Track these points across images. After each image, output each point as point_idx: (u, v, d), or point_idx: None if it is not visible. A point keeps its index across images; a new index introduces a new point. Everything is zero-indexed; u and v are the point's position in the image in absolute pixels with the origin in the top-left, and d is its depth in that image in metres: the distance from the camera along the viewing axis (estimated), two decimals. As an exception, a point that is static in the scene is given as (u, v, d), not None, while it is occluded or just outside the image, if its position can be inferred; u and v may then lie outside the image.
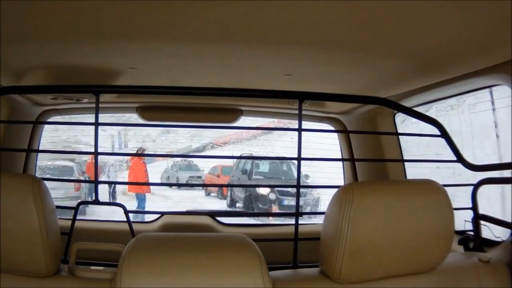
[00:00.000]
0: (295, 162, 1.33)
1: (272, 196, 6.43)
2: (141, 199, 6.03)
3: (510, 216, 1.32)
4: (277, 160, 6.72)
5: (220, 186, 8.69)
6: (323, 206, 6.04)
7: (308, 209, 6.05)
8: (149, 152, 7.93)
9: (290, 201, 6.39)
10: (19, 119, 1.87)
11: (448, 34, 1.06)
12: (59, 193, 5.18)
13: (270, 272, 1.00)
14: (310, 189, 6.42)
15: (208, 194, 7.32)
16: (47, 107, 2.04)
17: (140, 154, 5.95)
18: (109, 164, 6.40)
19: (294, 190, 6.31)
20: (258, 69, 1.49)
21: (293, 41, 1.15)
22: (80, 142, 5.27)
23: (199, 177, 7.25)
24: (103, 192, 5.87)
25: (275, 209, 6.34)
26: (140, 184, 6.42)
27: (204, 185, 9.34)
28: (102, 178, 6.25)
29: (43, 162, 5.54)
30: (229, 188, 7.10)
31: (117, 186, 6.12)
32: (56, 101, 1.93)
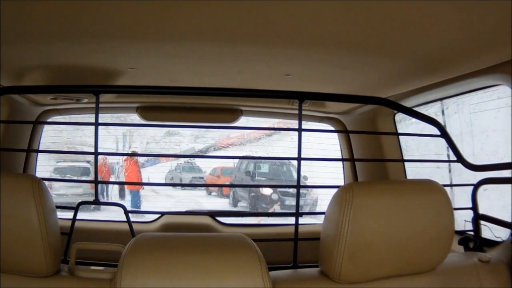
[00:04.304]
0: (294, 164, 1.33)
1: (275, 197, 6.65)
2: (134, 195, 6.40)
3: (510, 216, 1.32)
4: (277, 162, 6.83)
5: (221, 186, 8.72)
6: (322, 207, 6.14)
7: (307, 209, 6.19)
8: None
9: (291, 201, 6.57)
10: (19, 119, 1.87)
11: (448, 34, 1.06)
12: (79, 190, 5.79)
13: (270, 272, 1.00)
14: (309, 190, 6.56)
15: (209, 193, 7.55)
16: (47, 107, 2.04)
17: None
18: (118, 165, 6.56)
19: (295, 190, 6.56)
20: (258, 69, 1.49)
21: (293, 41, 1.15)
22: (85, 143, 5.35)
23: (201, 177, 7.48)
24: (113, 191, 6.26)
25: (277, 208, 6.52)
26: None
27: (203, 185, 9.36)
28: (112, 178, 6.53)
29: (63, 163, 6.10)
30: (231, 188, 7.28)
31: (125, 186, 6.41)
32: (56, 101, 1.93)
